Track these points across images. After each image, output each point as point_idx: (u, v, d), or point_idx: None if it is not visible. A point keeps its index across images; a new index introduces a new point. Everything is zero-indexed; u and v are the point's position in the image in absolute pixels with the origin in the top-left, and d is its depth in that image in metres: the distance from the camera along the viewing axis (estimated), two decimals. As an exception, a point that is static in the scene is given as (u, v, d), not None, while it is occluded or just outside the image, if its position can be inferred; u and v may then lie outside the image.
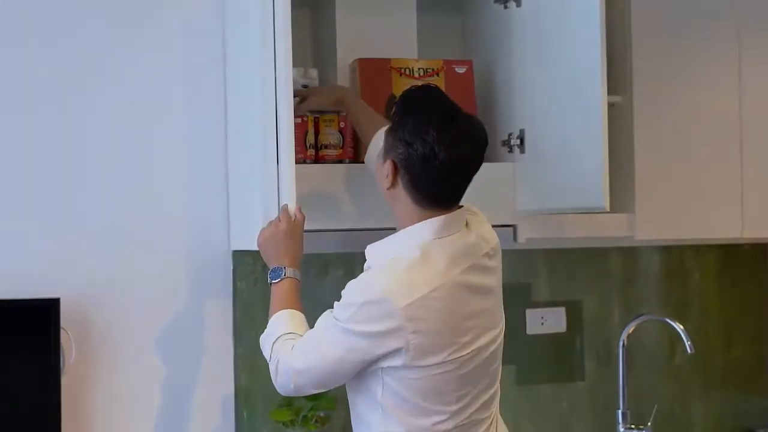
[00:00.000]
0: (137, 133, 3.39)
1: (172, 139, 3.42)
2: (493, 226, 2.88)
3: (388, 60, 3.39)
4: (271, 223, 2.91)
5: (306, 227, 3.12)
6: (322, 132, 3.28)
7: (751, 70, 3.79)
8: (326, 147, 3.28)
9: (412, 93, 2.73)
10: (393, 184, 2.68)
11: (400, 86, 3.35)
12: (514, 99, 3.40)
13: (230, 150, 3.41)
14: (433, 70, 3.41)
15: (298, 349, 2.70)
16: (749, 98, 3.78)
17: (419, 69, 3.40)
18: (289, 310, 2.82)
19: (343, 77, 3.42)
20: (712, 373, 4.12)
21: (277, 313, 2.83)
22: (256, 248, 3.10)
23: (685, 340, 3.66)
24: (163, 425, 3.39)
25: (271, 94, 2.99)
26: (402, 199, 2.69)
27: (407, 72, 3.39)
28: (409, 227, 2.67)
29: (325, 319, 2.70)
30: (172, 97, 3.43)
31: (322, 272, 3.57)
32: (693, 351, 3.67)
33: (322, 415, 3.39)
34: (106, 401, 3.34)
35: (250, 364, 3.48)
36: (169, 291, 3.41)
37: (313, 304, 3.54)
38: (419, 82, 3.37)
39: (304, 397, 3.37)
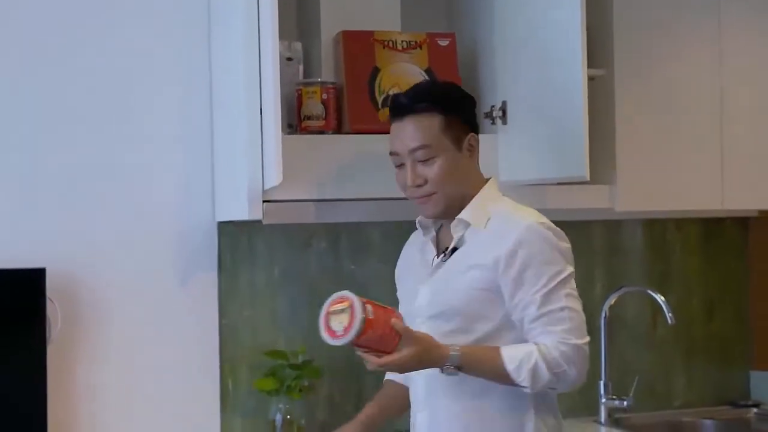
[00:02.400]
0: (123, 107, 3.40)
1: (157, 111, 3.43)
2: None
3: (372, 32, 3.40)
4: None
5: (289, 197, 3.16)
6: (305, 104, 3.30)
7: (732, 43, 3.81)
8: (309, 118, 3.30)
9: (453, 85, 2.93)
10: (473, 149, 2.81)
11: (384, 59, 3.38)
12: (496, 71, 3.43)
13: (215, 121, 3.42)
14: (416, 42, 3.43)
15: (571, 331, 2.63)
16: (729, 71, 3.80)
17: (402, 42, 3.42)
18: (500, 353, 2.64)
19: (327, 50, 3.44)
20: (694, 346, 4.14)
21: (501, 357, 2.63)
22: (241, 219, 3.13)
23: (665, 311, 3.70)
24: (147, 395, 3.41)
25: (255, 66, 3.01)
26: (473, 160, 2.81)
27: (391, 44, 3.41)
28: (494, 196, 2.80)
29: (556, 290, 2.65)
30: (157, 69, 3.44)
31: (306, 243, 3.60)
32: (674, 322, 3.71)
33: (306, 384, 3.42)
34: (92, 371, 3.36)
35: (234, 334, 3.51)
36: (154, 262, 3.43)
37: (297, 275, 3.60)
38: (403, 55, 3.40)
39: (289, 366, 3.41)
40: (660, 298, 3.73)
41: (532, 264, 2.64)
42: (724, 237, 4.21)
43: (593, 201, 3.59)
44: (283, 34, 3.07)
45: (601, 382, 3.80)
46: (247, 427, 3.51)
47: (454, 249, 2.75)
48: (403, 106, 2.75)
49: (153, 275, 3.42)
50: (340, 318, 2.50)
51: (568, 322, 2.63)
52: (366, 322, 2.48)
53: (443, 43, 3.47)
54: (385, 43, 3.40)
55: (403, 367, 2.58)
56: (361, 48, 3.37)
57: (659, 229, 4.10)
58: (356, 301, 2.50)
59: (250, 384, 3.48)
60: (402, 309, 2.81)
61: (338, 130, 3.33)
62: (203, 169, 3.45)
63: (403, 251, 3.00)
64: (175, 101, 3.45)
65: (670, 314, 3.71)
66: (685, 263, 4.14)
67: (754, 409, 4.10)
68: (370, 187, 3.23)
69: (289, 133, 3.31)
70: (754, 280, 4.22)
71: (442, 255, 2.77)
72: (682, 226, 4.13)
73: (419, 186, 2.74)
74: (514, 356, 2.60)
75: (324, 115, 3.30)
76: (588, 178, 3.15)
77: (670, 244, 4.12)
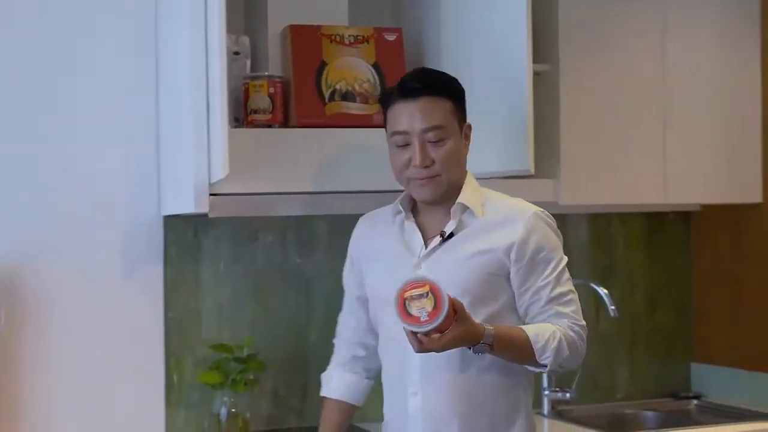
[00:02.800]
0: (67, 99, 3.38)
1: (103, 104, 3.41)
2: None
3: (319, 27, 3.40)
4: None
5: (235, 191, 3.15)
6: (252, 97, 3.30)
7: (675, 39, 3.86)
8: (256, 112, 3.30)
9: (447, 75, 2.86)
10: (468, 138, 2.85)
11: (331, 53, 3.38)
12: (442, 66, 3.42)
13: (161, 114, 3.41)
14: (363, 37, 3.44)
15: (577, 313, 2.77)
16: (673, 67, 3.86)
17: (350, 36, 3.43)
18: (525, 332, 2.68)
19: (274, 44, 3.44)
20: (636, 339, 4.20)
21: (527, 336, 2.66)
22: (187, 212, 3.13)
23: (608, 303, 3.74)
24: (92, 389, 3.39)
25: (202, 59, 3.00)
26: (467, 149, 2.85)
27: (338, 39, 3.41)
28: (477, 185, 2.85)
29: (561, 274, 2.77)
30: (103, 62, 3.42)
31: (252, 237, 3.60)
32: (616, 314, 3.76)
33: (251, 377, 3.42)
34: (36, 365, 3.33)
35: (180, 328, 3.51)
36: (99, 256, 3.41)
37: (243, 269, 3.60)
38: (350, 50, 3.40)
39: (234, 359, 3.41)
40: (603, 292, 3.78)
41: (542, 251, 2.75)
42: (667, 231, 4.26)
43: (538, 195, 3.59)
44: (230, 28, 3.08)
45: (545, 375, 3.83)
46: (192, 420, 3.51)
47: (451, 233, 2.77)
48: (417, 87, 2.76)
49: (98, 269, 3.40)
50: (421, 303, 2.47)
51: (574, 304, 2.77)
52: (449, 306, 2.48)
53: (390, 37, 3.48)
54: (332, 37, 3.41)
55: (451, 346, 2.56)
56: (308, 42, 3.38)
57: (603, 223, 4.15)
58: (439, 286, 2.47)
59: (195, 377, 3.48)
60: (377, 292, 2.84)
61: (285, 123, 3.33)
62: (149, 163, 3.43)
63: (362, 234, 2.97)
64: (121, 94, 3.43)
65: (612, 307, 3.75)
66: (628, 257, 4.19)
67: (695, 401, 4.17)
68: (316, 180, 3.23)
69: (236, 127, 3.30)
70: (695, 274, 4.28)
71: (439, 239, 2.77)
72: (626, 220, 4.18)
73: (427, 167, 2.75)
74: (539, 335, 2.67)
75: (271, 109, 3.31)
76: (533, 172, 3.20)
77: (614, 238, 4.17)
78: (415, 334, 2.51)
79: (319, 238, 3.68)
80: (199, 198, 3.04)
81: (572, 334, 2.72)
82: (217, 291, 3.57)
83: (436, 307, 2.46)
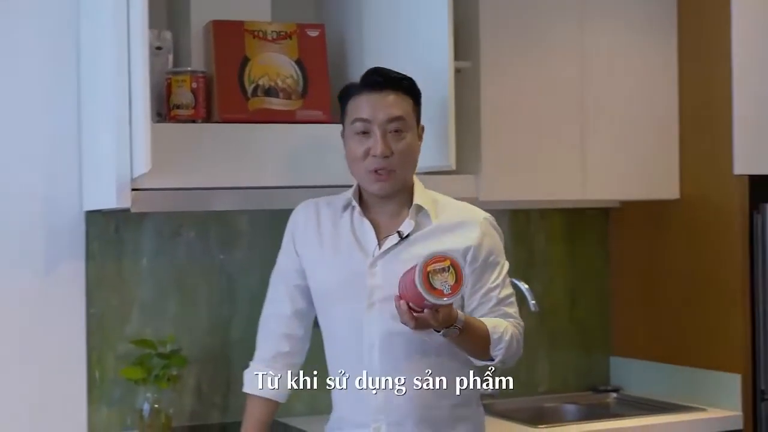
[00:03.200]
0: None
1: (23, 98, 3.39)
2: (346, 187, 2.96)
3: (242, 22, 3.41)
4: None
5: (158, 186, 3.14)
6: (175, 92, 3.30)
7: (594, 37, 3.91)
8: (178, 107, 3.30)
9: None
10: (420, 139, 2.91)
11: (254, 49, 3.39)
12: (364, 63, 3.45)
13: (83, 109, 3.39)
14: (285, 33, 3.45)
15: (518, 313, 2.92)
16: (591, 64, 3.91)
17: (272, 32, 3.43)
18: (484, 323, 2.77)
19: (196, 39, 3.44)
20: (557, 333, 4.25)
21: (486, 327, 2.76)
22: (109, 207, 3.11)
23: (528, 298, 3.78)
24: (12, 385, 3.37)
25: (124, 54, 2.99)
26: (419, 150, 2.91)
27: (260, 35, 3.42)
28: (423, 187, 2.90)
29: (506, 277, 2.90)
30: (22, 56, 3.39)
31: (175, 232, 3.59)
32: (537, 309, 3.80)
33: (174, 373, 3.41)
34: (-45, 362, 3.31)
35: (101, 324, 3.49)
36: (20, 251, 3.38)
37: (166, 264, 3.60)
38: (273, 45, 3.41)
39: (156, 355, 3.40)
40: (523, 286, 3.81)
41: (492, 254, 2.86)
42: (587, 227, 4.31)
43: (459, 190, 3.61)
44: (152, 23, 3.07)
45: (467, 369, 3.86)
46: (114, 416, 3.50)
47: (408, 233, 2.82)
48: (381, 80, 2.82)
49: (19, 265, 3.37)
50: (443, 277, 2.52)
51: (515, 306, 2.91)
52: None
53: (313, 33, 3.49)
54: (255, 33, 3.41)
55: (443, 324, 2.60)
56: (230, 37, 3.38)
57: (523, 219, 4.19)
58: (459, 260, 2.54)
59: (118, 373, 3.46)
60: (326, 287, 2.86)
61: (207, 119, 3.34)
62: (70, 158, 3.41)
63: (305, 221, 2.94)
64: (42, 88, 3.40)
65: (533, 302, 3.79)
66: (548, 252, 4.24)
67: (614, 394, 4.23)
68: (238, 176, 3.24)
69: (158, 122, 3.29)
70: (614, 269, 4.34)
71: (397, 238, 2.80)
72: (546, 216, 4.23)
73: (386, 157, 2.78)
74: (496, 327, 2.77)
75: (193, 104, 3.31)
76: (454, 168, 3.24)
77: (534, 233, 4.22)
78: (411, 312, 2.55)
79: (242, 233, 3.68)
80: (121, 193, 3.02)
81: (517, 332, 2.84)
82: (139, 287, 3.55)
83: (458, 280, 2.52)
